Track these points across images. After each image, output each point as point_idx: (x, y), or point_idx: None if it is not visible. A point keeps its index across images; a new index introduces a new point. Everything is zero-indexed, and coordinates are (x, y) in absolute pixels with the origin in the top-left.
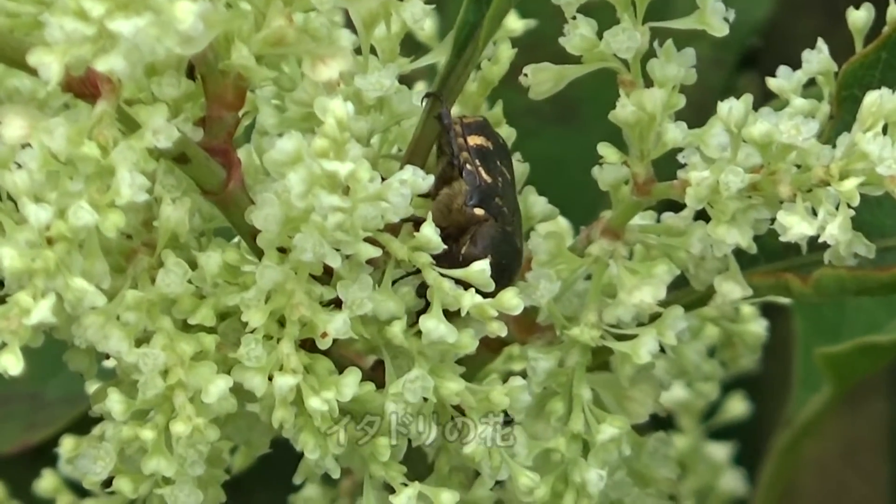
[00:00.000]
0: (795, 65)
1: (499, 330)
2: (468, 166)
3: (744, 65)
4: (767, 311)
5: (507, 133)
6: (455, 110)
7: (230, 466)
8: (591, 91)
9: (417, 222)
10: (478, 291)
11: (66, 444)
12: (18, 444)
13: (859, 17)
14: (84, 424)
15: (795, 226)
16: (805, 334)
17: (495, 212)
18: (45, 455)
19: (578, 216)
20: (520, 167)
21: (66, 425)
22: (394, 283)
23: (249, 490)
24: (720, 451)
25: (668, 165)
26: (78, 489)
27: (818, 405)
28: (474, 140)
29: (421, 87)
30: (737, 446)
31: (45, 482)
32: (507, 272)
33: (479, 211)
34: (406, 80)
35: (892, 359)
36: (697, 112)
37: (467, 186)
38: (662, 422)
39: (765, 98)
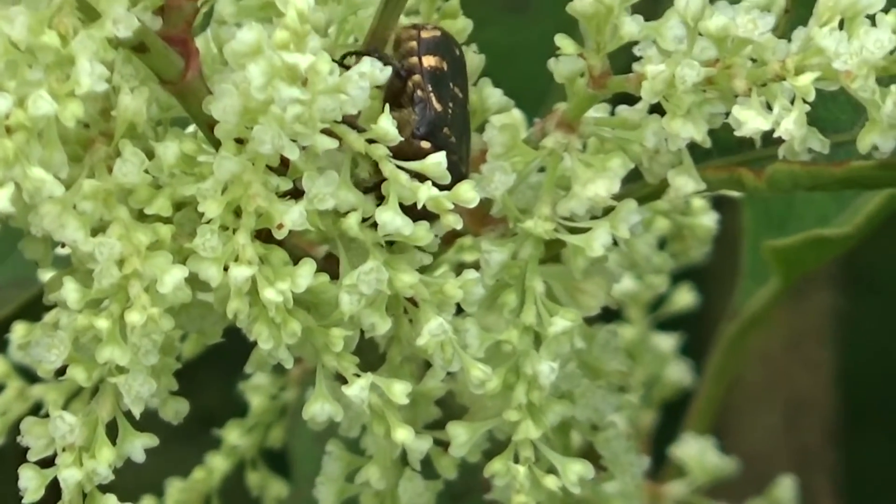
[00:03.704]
0: None
1: (455, 223)
2: (419, 92)
3: None
4: (715, 203)
5: (464, 25)
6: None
7: (180, 354)
8: None
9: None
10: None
11: (18, 331)
12: None
13: None
14: (33, 309)
15: (750, 120)
16: (753, 226)
17: (442, 143)
18: None
19: (529, 107)
20: (475, 59)
21: (14, 310)
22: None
23: (199, 379)
24: (667, 342)
25: (623, 58)
26: (26, 374)
27: (765, 297)
28: (429, 61)
29: None
30: (684, 337)
31: None
32: None
33: (425, 144)
34: None
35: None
36: (654, 4)
37: (416, 116)
38: (609, 312)
39: None
